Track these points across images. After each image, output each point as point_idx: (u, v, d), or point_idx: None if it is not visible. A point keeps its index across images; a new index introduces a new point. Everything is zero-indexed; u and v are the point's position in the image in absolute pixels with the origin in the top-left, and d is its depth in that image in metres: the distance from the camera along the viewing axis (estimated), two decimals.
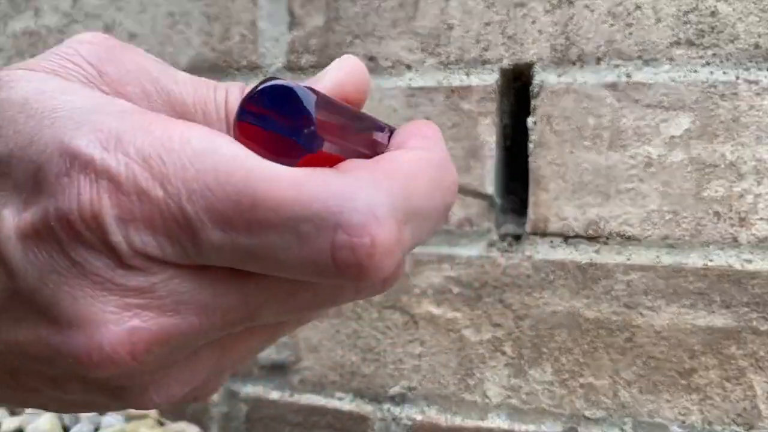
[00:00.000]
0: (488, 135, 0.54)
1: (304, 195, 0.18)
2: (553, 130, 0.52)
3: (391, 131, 0.23)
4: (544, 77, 0.52)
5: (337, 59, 0.23)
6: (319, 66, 0.57)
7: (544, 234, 0.52)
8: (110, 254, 0.19)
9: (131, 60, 0.23)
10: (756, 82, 0.48)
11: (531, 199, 0.53)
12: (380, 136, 0.22)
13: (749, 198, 0.48)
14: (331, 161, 0.20)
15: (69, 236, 0.19)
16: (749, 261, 0.48)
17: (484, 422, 0.54)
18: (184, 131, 0.19)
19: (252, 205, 0.18)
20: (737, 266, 0.48)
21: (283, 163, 0.18)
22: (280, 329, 0.24)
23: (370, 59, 0.56)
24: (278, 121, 0.19)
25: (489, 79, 0.53)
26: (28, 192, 0.20)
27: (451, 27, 0.54)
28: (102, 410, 0.25)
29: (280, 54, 0.58)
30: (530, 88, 0.53)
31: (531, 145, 0.53)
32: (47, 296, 0.20)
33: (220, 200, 0.18)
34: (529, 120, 0.53)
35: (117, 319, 0.20)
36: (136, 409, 0.23)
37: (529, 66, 0.53)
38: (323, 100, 0.19)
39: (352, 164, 0.20)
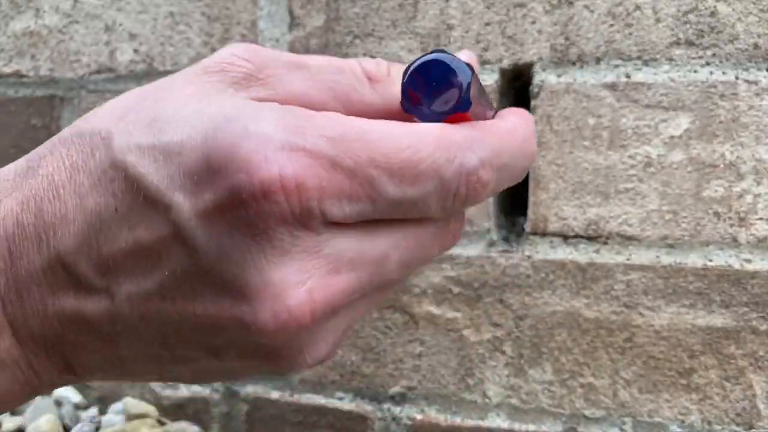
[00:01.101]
0: None
1: (444, 150, 0.24)
2: (553, 130, 0.52)
3: (496, 112, 0.30)
4: (544, 77, 0.52)
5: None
6: None
7: (543, 234, 0.52)
8: (297, 222, 0.23)
9: (274, 54, 0.28)
10: (755, 83, 0.48)
11: (531, 199, 0.53)
12: (489, 114, 0.29)
13: (749, 198, 0.48)
14: (465, 119, 0.26)
15: (257, 208, 0.22)
16: (749, 261, 0.48)
17: (483, 422, 0.54)
18: (341, 116, 0.24)
19: (419, 161, 0.23)
20: (737, 266, 0.48)
21: (439, 111, 0.25)
22: (386, 291, 0.27)
23: None
24: (443, 87, 0.25)
25: (489, 79, 0.54)
26: (201, 175, 0.22)
27: (451, 27, 0.54)
28: (243, 376, 0.28)
29: None
30: (530, 88, 0.53)
31: None
32: (231, 270, 0.23)
33: (396, 163, 0.23)
34: None
35: (298, 282, 0.23)
36: (284, 372, 0.25)
37: (529, 66, 0.53)
38: (474, 75, 0.26)
39: (472, 124, 0.26)
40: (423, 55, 0.25)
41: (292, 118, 0.23)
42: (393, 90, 0.28)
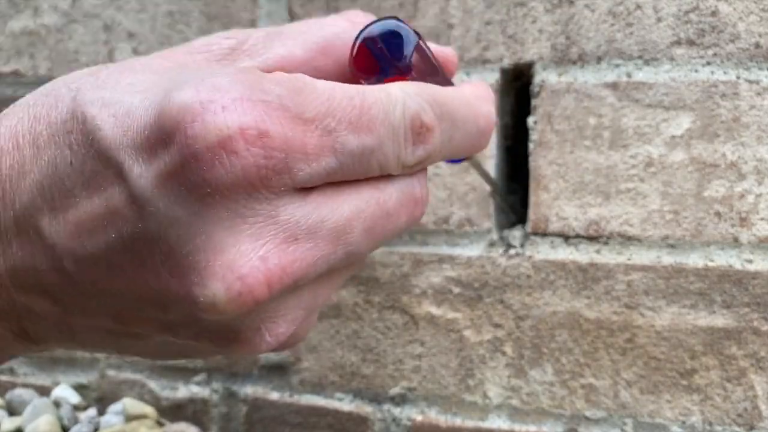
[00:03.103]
0: None
1: (386, 94, 0.24)
2: (554, 129, 0.52)
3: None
4: (545, 77, 0.52)
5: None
6: None
7: (544, 234, 0.52)
8: (257, 181, 0.21)
9: (256, 29, 0.29)
10: (757, 82, 0.48)
11: (531, 199, 0.53)
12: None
13: (750, 198, 0.48)
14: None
15: (212, 164, 0.21)
16: (750, 261, 0.48)
17: (484, 423, 0.54)
18: (292, 74, 0.23)
19: (369, 107, 0.23)
20: (738, 266, 0.48)
21: (381, 76, 0.26)
22: (352, 267, 0.26)
23: None
24: (386, 51, 0.27)
25: (489, 78, 0.53)
26: (154, 133, 0.21)
27: (451, 26, 0.54)
28: (206, 356, 0.27)
29: None
30: (531, 88, 0.53)
31: (531, 145, 0.53)
32: (179, 238, 0.21)
33: (350, 111, 0.23)
34: (530, 119, 0.53)
35: (251, 249, 0.21)
36: (242, 354, 0.24)
37: (530, 65, 0.53)
38: (421, 45, 0.27)
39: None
40: (373, 21, 0.27)
41: (248, 74, 0.22)
42: None
